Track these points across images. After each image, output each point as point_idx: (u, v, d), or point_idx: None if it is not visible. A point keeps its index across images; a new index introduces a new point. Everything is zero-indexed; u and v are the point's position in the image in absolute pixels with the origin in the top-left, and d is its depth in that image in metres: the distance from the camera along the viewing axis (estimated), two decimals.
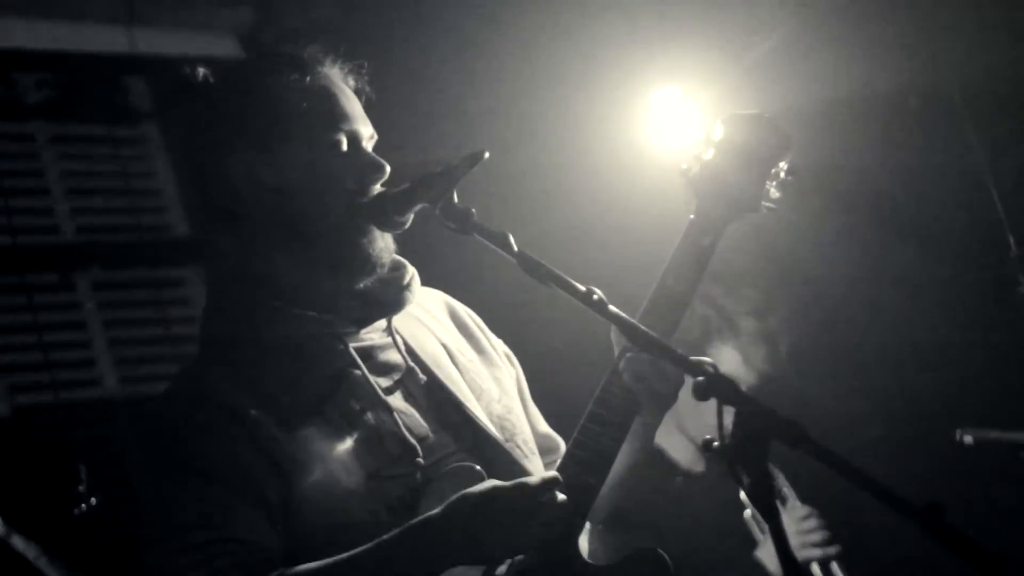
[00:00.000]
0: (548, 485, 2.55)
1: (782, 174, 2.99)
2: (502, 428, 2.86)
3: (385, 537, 2.54)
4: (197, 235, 5.55)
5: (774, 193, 2.99)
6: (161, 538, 2.62)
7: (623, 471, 2.89)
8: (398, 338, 2.85)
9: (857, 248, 5.42)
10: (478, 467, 2.70)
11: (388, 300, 2.85)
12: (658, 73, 5.39)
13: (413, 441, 2.72)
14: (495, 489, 2.53)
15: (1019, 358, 5.01)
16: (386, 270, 2.81)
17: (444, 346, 2.94)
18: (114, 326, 5.46)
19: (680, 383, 2.80)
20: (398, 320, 2.88)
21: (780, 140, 2.99)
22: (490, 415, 2.86)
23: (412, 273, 2.92)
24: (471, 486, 2.60)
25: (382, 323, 2.86)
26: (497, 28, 5.49)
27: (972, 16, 5.02)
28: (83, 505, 4.21)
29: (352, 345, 2.78)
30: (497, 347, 3.11)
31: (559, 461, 2.75)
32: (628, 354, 2.77)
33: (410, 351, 2.85)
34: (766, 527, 4.52)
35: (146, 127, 5.80)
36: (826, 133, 5.19)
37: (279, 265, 2.78)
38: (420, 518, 2.55)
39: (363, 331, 2.82)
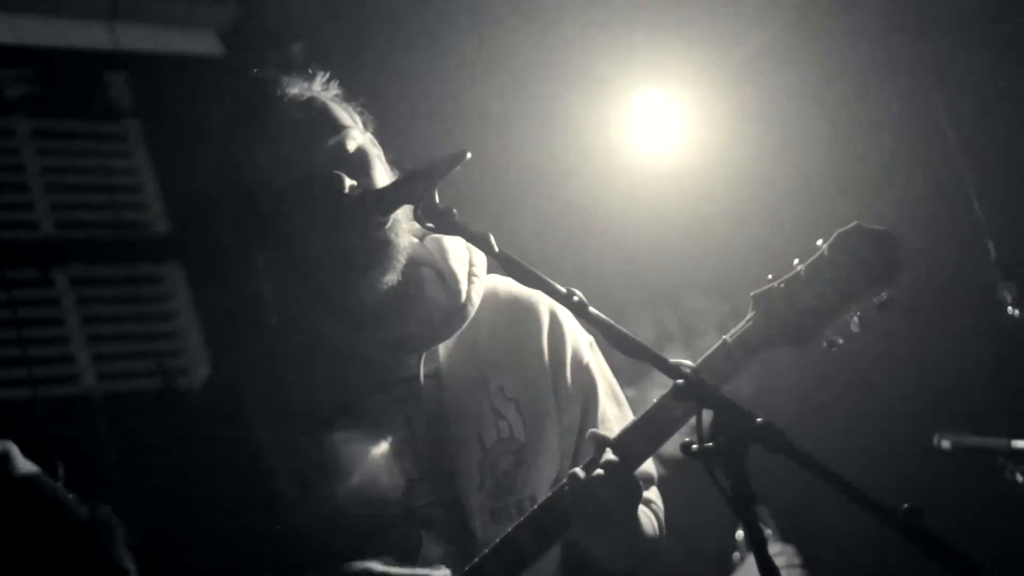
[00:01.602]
0: None
1: (875, 307, 2.73)
2: (499, 484, 2.84)
3: None
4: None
5: (855, 327, 2.75)
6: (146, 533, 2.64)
7: None
8: (430, 367, 2.83)
9: None
10: (418, 533, 2.71)
11: (427, 332, 2.83)
12: (641, 75, 5.39)
13: (392, 485, 2.73)
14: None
15: (997, 363, 5.02)
16: (396, 271, 2.78)
17: (484, 380, 2.90)
18: (93, 322, 5.44)
19: (613, 520, 2.69)
20: (445, 345, 2.86)
21: (895, 267, 2.70)
22: (493, 469, 2.84)
23: (467, 299, 2.88)
24: (406, 546, 2.65)
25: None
26: (479, 29, 5.49)
27: (958, 26, 5.03)
28: None
29: (377, 370, 2.78)
30: (569, 374, 2.98)
31: (480, 556, 2.73)
32: (573, 469, 2.73)
33: (437, 383, 2.84)
34: (745, 555, 4.51)
35: (127, 123, 5.78)
36: (808, 138, 5.21)
37: (300, 275, 2.79)
38: None
39: (393, 357, 2.81)
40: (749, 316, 2.77)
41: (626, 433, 2.72)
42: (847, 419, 5.25)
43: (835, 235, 2.73)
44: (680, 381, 2.32)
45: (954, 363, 5.13)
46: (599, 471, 2.66)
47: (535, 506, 2.74)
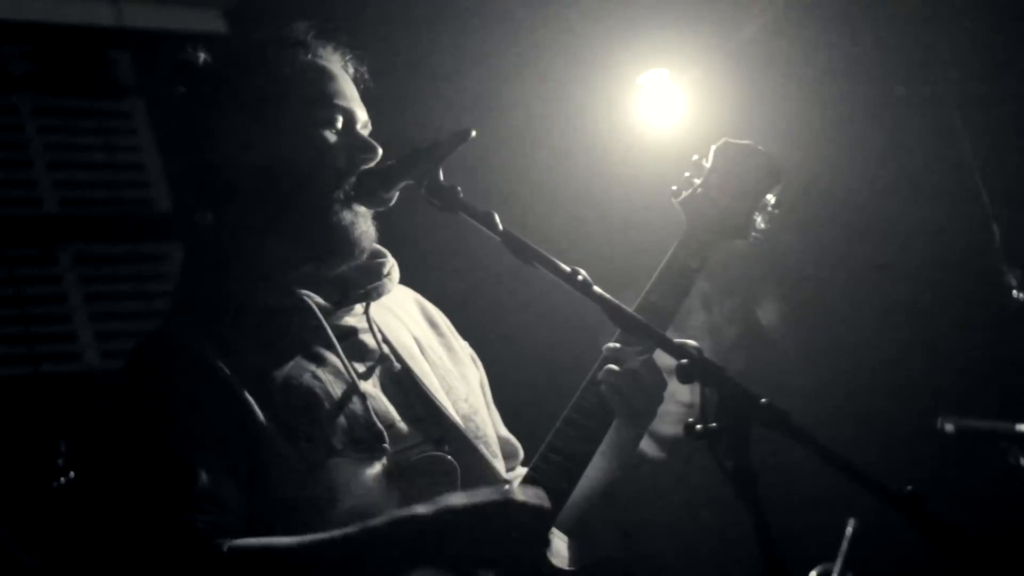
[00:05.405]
0: (542, 511, 2.53)
1: (769, 206, 3.03)
2: (467, 427, 2.83)
3: (370, 523, 2.50)
4: (183, 206, 5.54)
5: (760, 224, 3.02)
6: (138, 494, 2.59)
7: (598, 486, 2.89)
8: (374, 325, 2.84)
9: (837, 237, 5.43)
10: (450, 457, 2.69)
11: (366, 287, 2.84)
12: (646, 55, 5.38)
13: (380, 427, 2.69)
14: (507, 502, 2.50)
15: (1001, 347, 5.01)
16: (365, 256, 2.81)
17: (416, 340, 2.93)
18: (95, 300, 5.44)
19: (657, 400, 2.83)
20: (374, 309, 2.86)
21: (770, 172, 3.03)
22: (457, 412, 2.84)
23: (392, 264, 2.92)
24: (444, 477, 2.64)
25: (359, 307, 2.84)
26: (485, 10, 5.48)
27: (965, 7, 5.02)
28: (62, 479, 4.19)
29: (329, 322, 2.76)
30: (464, 347, 3.09)
31: (533, 462, 2.74)
32: (608, 365, 2.77)
33: (385, 340, 2.84)
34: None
35: (131, 101, 5.78)
36: (812, 119, 5.19)
37: (264, 240, 2.77)
38: (417, 509, 2.51)
39: (340, 311, 2.81)
40: (685, 223, 2.98)
41: (624, 334, 2.81)
42: (851, 401, 5.25)
43: (712, 151, 3.04)
44: (684, 361, 2.31)
45: (959, 347, 5.13)
46: (645, 357, 2.77)
47: (567, 411, 2.78)
